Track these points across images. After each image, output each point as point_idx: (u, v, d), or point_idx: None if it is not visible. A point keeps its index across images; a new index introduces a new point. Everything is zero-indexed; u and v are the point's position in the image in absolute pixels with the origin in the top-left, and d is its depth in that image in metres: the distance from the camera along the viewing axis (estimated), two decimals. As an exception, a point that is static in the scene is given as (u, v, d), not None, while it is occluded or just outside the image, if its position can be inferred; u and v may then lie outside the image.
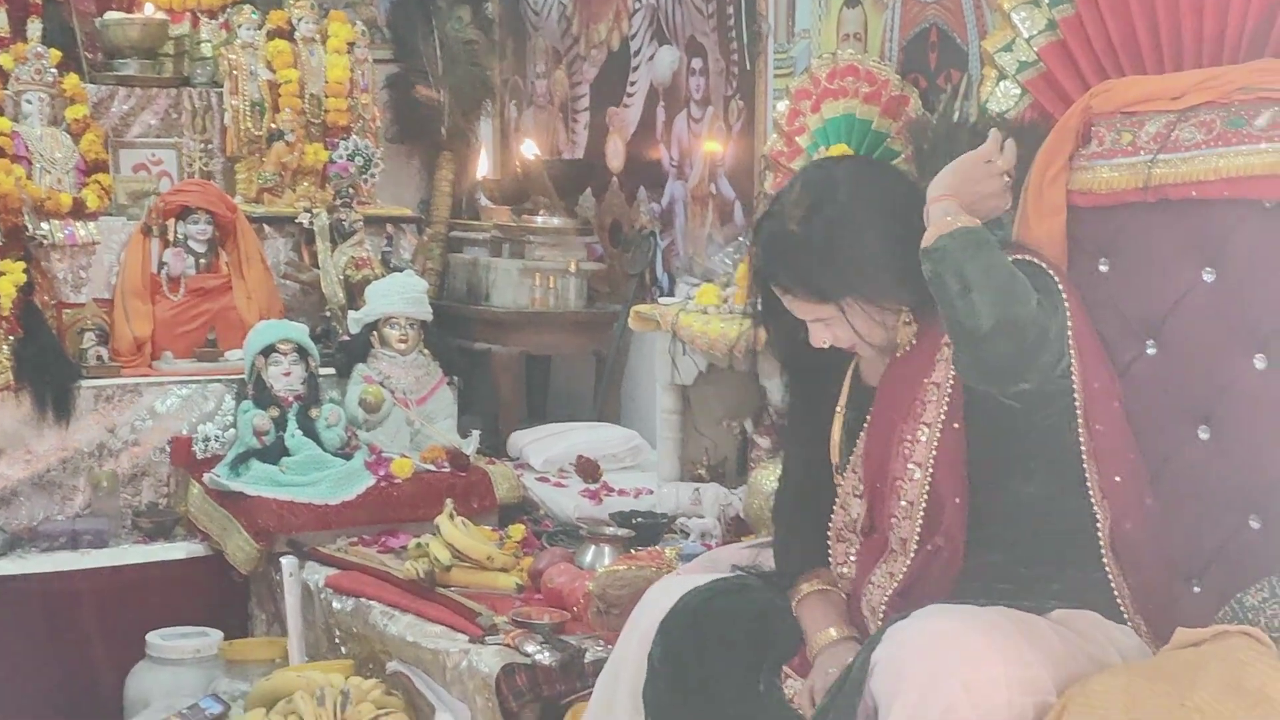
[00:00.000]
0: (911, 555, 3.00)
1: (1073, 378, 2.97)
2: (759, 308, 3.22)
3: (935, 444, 2.98)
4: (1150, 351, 3.37)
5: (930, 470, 2.99)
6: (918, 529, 2.99)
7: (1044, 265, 3.03)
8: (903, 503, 3.01)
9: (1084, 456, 2.99)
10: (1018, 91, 3.75)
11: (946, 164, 3.05)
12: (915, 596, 2.96)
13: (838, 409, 3.23)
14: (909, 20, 4.82)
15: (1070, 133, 3.51)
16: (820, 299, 3.03)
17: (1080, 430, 2.99)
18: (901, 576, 3.01)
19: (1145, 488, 3.16)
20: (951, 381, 2.96)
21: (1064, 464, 2.99)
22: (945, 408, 2.98)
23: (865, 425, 3.15)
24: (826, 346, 3.09)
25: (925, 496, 2.99)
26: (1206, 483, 3.25)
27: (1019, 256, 3.00)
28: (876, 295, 3.02)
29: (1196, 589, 3.25)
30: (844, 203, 3.02)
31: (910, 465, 3.01)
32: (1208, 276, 3.26)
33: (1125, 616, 2.98)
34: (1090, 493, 2.99)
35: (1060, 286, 2.99)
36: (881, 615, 3.03)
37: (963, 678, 2.62)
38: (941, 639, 2.68)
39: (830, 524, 3.23)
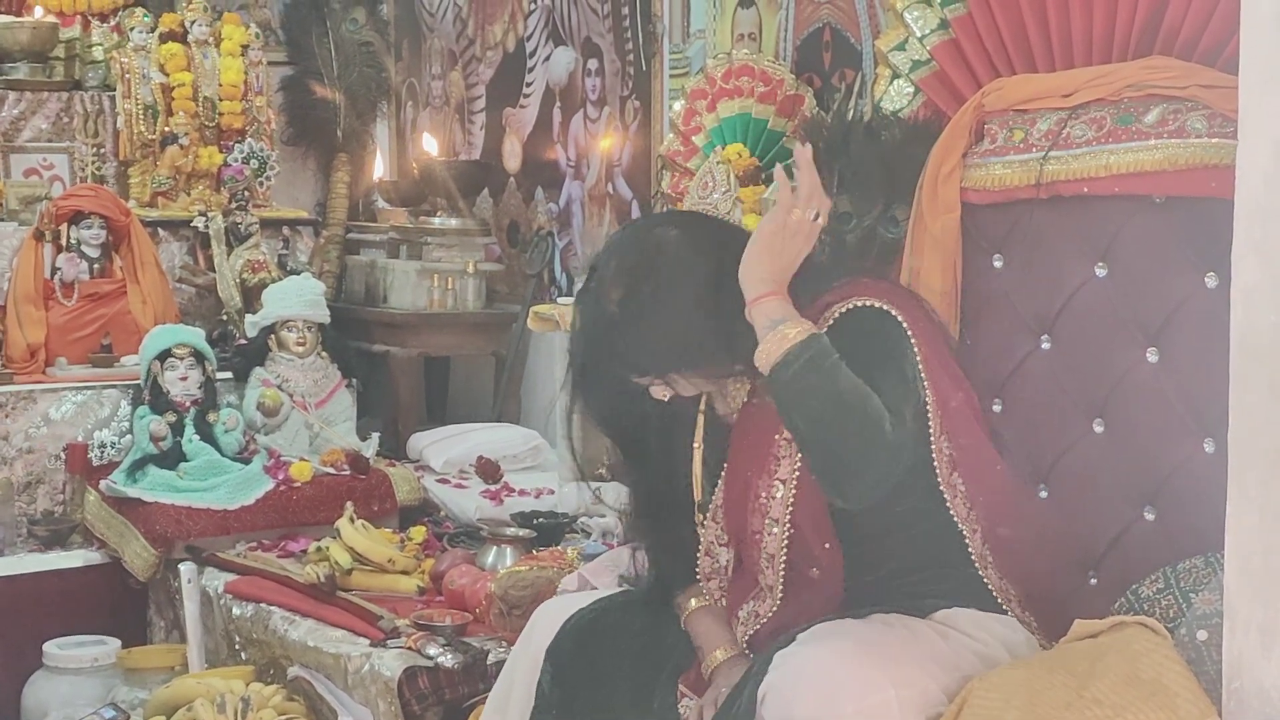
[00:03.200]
0: (779, 600, 2.97)
1: (927, 410, 2.88)
2: (576, 382, 3.08)
3: (791, 500, 2.90)
4: (1045, 346, 3.40)
5: (788, 526, 2.91)
6: (780, 579, 2.95)
7: (884, 307, 2.89)
8: (764, 555, 2.96)
9: (939, 478, 2.92)
10: (911, 90, 3.78)
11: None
12: (791, 629, 2.89)
13: (695, 444, 3.15)
14: (803, 20, 4.84)
15: (963, 130, 3.54)
16: (643, 376, 2.95)
17: (940, 446, 2.91)
18: (769, 618, 2.98)
19: (1022, 491, 3.15)
20: None
21: (928, 480, 2.93)
22: (799, 462, 2.87)
23: (722, 473, 3.07)
24: (667, 399, 3.00)
25: (785, 550, 2.92)
26: (1102, 475, 3.28)
27: (856, 304, 2.88)
28: (701, 366, 2.93)
29: (1093, 580, 3.28)
30: (663, 277, 2.90)
31: (768, 521, 2.93)
32: (1100, 272, 3.30)
33: (1012, 614, 2.97)
34: (951, 510, 2.94)
35: (907, 329, 2.88)
36: (746, 648, 3.01)
37: (854, 707, 2.61)
38: (830, 668, 2.66)
39: (699, 571, 3.16)
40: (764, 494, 2.93)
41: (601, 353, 2.96)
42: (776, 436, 2.91)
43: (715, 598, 3.14)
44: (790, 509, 2.91)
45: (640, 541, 3.30)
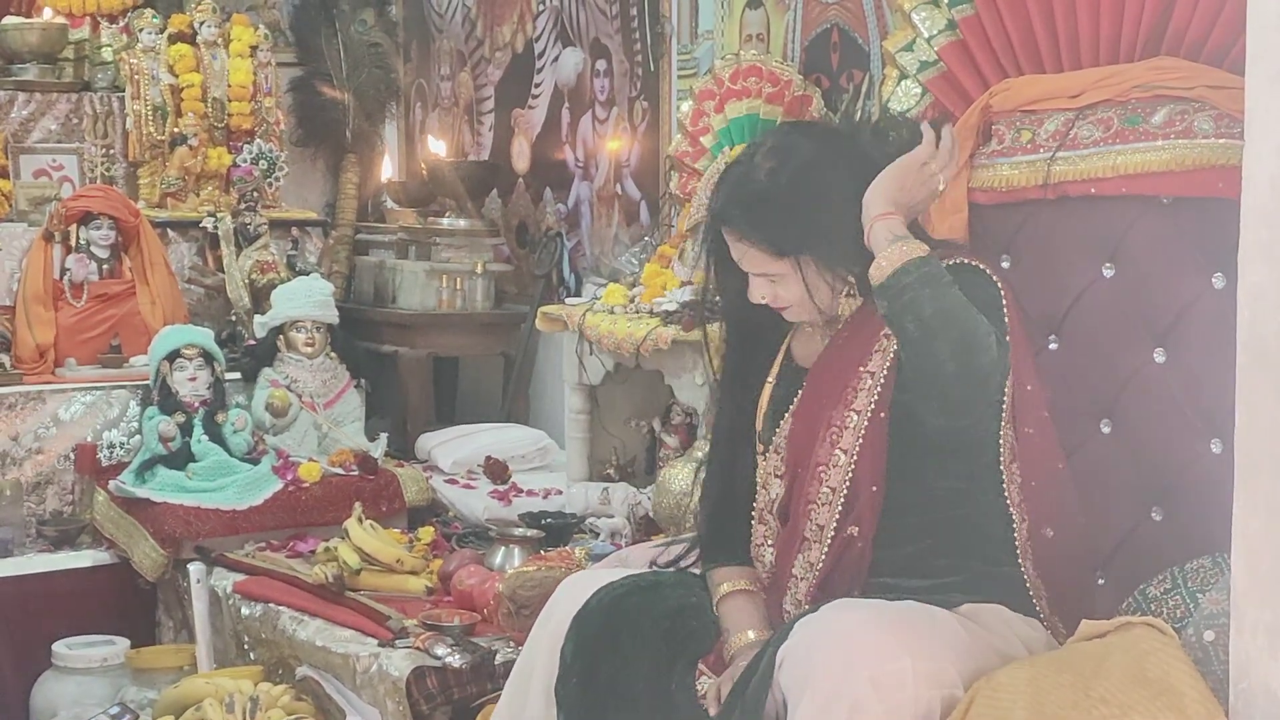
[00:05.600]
0: (828, 543, 2.99)
1: (1005, 388, 2.94)
2: (710, 256, 3.16)
3: (863, 431, 2.96)
4: (1052, 347, 3.40)
5: (855, 457, 2.97)
6: (836, 515, 2.98)
7: (984, 268, 3.00)
8: (825, 489, 3.00)
9: (1001, 461, 2.98)
10: (919, 91, 3.78)
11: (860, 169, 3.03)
12: (830, 588, 2.96)
13: (768, 379, 3.21)
14: (811, 21, 4.85)
15: (971, 131, 3.54)
16: (777, 253, 3.00)
17: (1005, 432, 2.97)
18: (820, 565, 3.00)
19: (1069, 494, 3.17)
20: (886, 371, 2.95)
21: (982, 463, 2.98)
22: (876, 396, 2.96)
23: (792, 406, 3.13)
24: (763, 302, 3.07)
25: (848, 483, 2.97)
26: (1109, 476, 3.29)
27: (959, 260, 2.98)
28: (832, 259, 3.00)
29: (1101, 581, 3.28)
30: (813, 162, 3.01)
31: (837, 451, 2.98)
32: (1107, 272, 3.31)
33: (1041, 615, 2.99)
34: (1007, 496, 2.99)
35: (1002, 292, 2.97)
36: (805, 609, 3.03)
37: (870, 672, 2.62)
38: (849, 633, 2.69)
39: (754, 505, 3.21)
40: (837, 423, 3.00)
41: (742, 216, 3.03)
42: (860, 369, 3.00)
43: (759, 543, 3.17)
44: (860, 440, 2.96)
45: (716, 464, 3.33)
